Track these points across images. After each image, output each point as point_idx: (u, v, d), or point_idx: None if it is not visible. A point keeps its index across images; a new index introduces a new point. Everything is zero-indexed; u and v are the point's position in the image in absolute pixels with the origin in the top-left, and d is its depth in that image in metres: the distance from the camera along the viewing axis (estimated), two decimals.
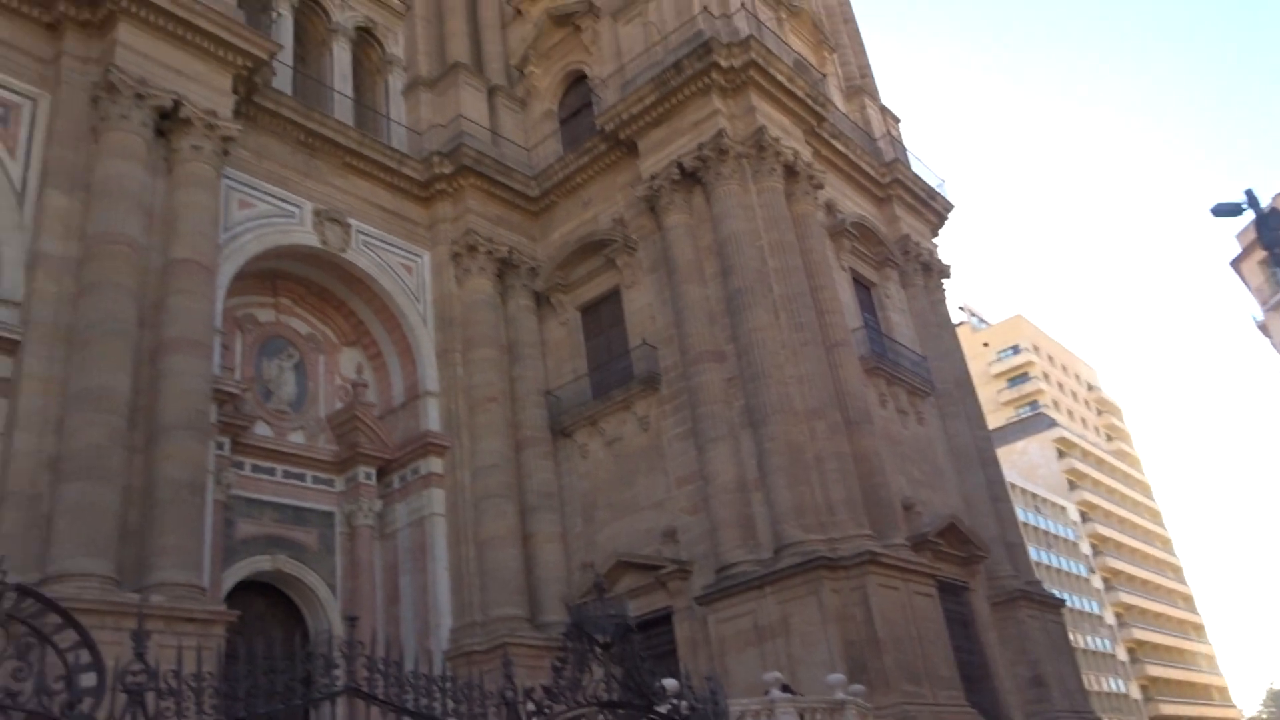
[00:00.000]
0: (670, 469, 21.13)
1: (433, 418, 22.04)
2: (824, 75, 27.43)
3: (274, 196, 21.06)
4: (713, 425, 20.15)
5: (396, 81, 26.55)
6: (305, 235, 21.42)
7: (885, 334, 24.49)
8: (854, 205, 25.88)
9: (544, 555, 21.52)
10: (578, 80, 27.20)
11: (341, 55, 25.56)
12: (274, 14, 23.81)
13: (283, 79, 22.66)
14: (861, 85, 29.62)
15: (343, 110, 24.41)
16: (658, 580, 19.98)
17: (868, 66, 30.62)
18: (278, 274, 21.96)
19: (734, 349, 20.58)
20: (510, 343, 23.65)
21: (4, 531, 14.56)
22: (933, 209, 28.62)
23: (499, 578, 20.46)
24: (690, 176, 22.26)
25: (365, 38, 26.56)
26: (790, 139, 22.93)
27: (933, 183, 28.64)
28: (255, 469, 19.93)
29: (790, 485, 18.78)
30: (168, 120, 18.58)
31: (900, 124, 30.15)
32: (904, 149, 28.94)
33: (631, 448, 21.97)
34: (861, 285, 24.98)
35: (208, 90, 19.27)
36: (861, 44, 31.22)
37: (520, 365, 23.43)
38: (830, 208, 24.50)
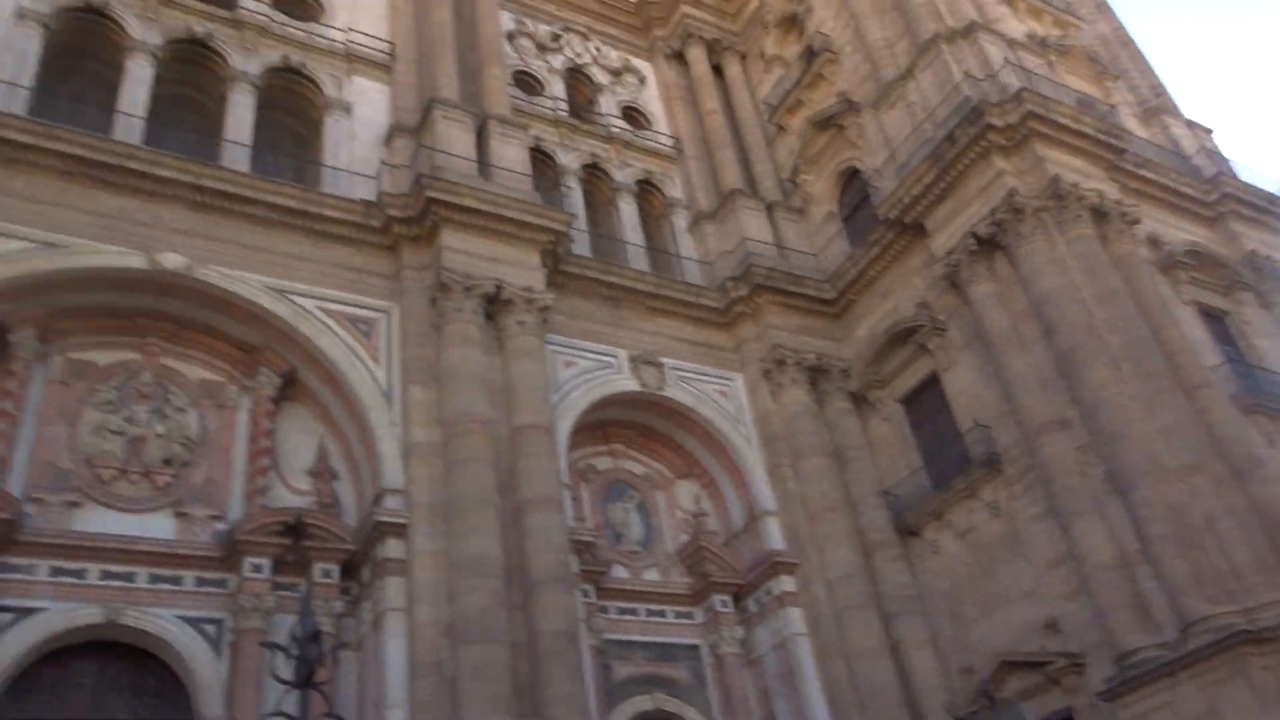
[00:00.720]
0: (1033, 554, 19.62)
1: (775, 536, 22.06)
2: (1112, 106, 25.75)
3: (592, 351, 22.56)
4: (1073, 499, 18.58)
5: (680, 220, 27.96)
6: (625, 382, 22.65)
7: (1255, 364, 21.75)
8: (1182, 233, 23.67)
9: (916, 664, 20.52)
10: (852, 176, 27.30)
11: (627, 209, 27.38)
12: (564, 188, 26.06)
13: (580, 242, 24.56)
14: (1158, 105, 27.47)
15: (637, 258, 26.01)
16: (1048, 678, 18.33)
17: (1161, 85, 28.39)
18: (607, 422, 23.26)
19: (1077, 413, 19.05)
20: (836, 448, 23.38)
21: (420, 699, 16.09)
22: (1276, 214, 25.51)
23: (875, 693, 19.69)
24: (988, 243, 21.38)
25: (646, 189, 28.33)
26: (1091, 180, 21.52)
27: (1269, 187, 25.63)
28: (620, 611, 20.75)
29: (1181, 553, 16.77)
30: (493, 304, 20.62)
31: (1213, 134, 27.46)
32: (1225, 159, 26.27)
33: (986, 537, 20.70)
34: (1212, 317, 22.52)
35: (521, 270, 21.28)
36: (1147, 63, 29.07)
37: (851, 469, 23.05)
38: (1154, 241, 22.58)
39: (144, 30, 22.19)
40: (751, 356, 24.54)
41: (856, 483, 22.81)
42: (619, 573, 21.50)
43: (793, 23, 30.73)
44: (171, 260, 18.52)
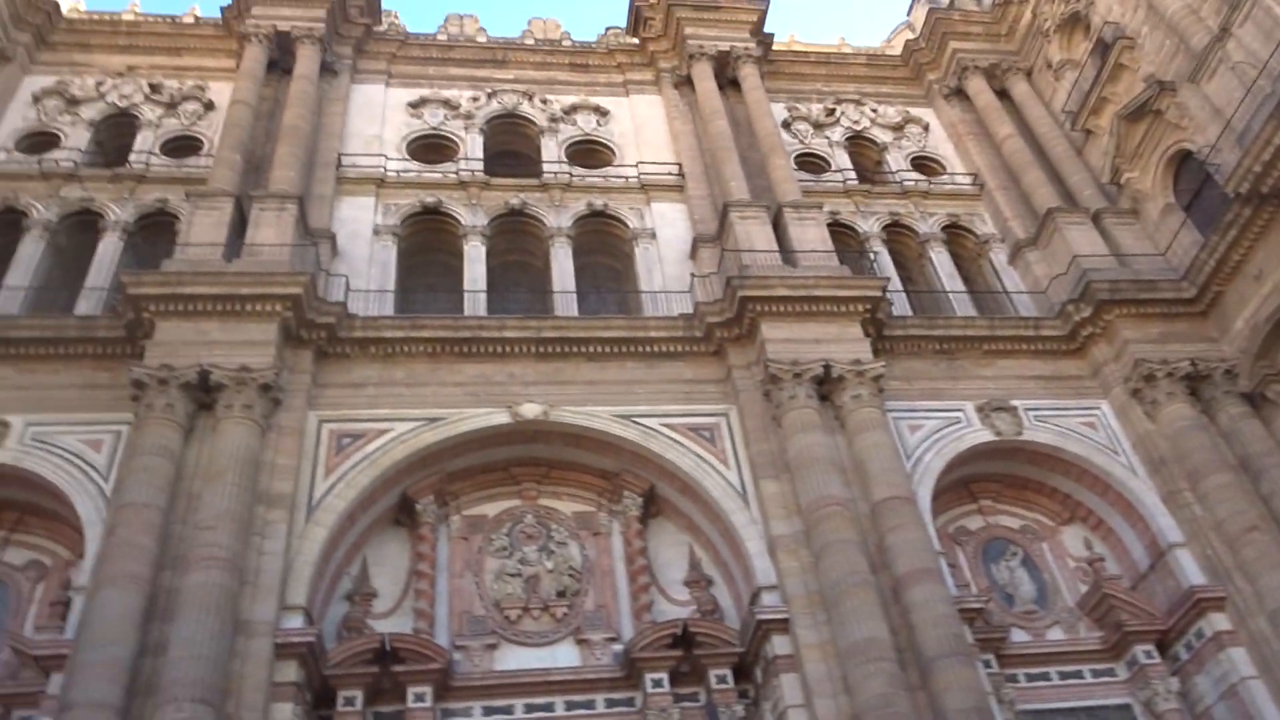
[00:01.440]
0: None
1: (1191, 570, 19.59)
2: None
3: (936, 410, 21.73)
4: None
5: (999, 255, 26.57)
6: (977, 434, 21.52)
7: None
8: None
9: None
10: (1183, 160, 24.73)
11: (940, 258, 26.52)
12: (870, 254, 25.81)
13: (899, 304, 24.06)
14: None
15: (961, 305, 24.99)
16: None
17: None
18: (968, 479, 22.16)
19: None
20: (1242, 459, 20.59)
21: None
22: None
23: None
24: None
25: (954, 233, 27.35)
26: None
27: None
28: (1029, 678, 19.26)
29: None
30: (824, 384, 20.62)
31: None
32: None
33: None
34: None
35: (845, 344, 21.17)
36: None
37: (1267, 479, 20.11)
38: None
39: (472, 216, 25.22)
40: (1114, 379, 22.46)
41: (1278, 494, 19.85)
42: (1019, 636, 20.03)
43: (1075, 22, 28.87)
44: (530, 410, 20.43)
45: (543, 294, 24.42)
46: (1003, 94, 30.06)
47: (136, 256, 23.37)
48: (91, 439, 18.86)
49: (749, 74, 29.15)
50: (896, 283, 24.95)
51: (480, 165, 26.68)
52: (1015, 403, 22.07)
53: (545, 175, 26.54)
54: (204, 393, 18.74)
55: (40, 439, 18.72)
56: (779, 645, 17.62)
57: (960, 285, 25.88)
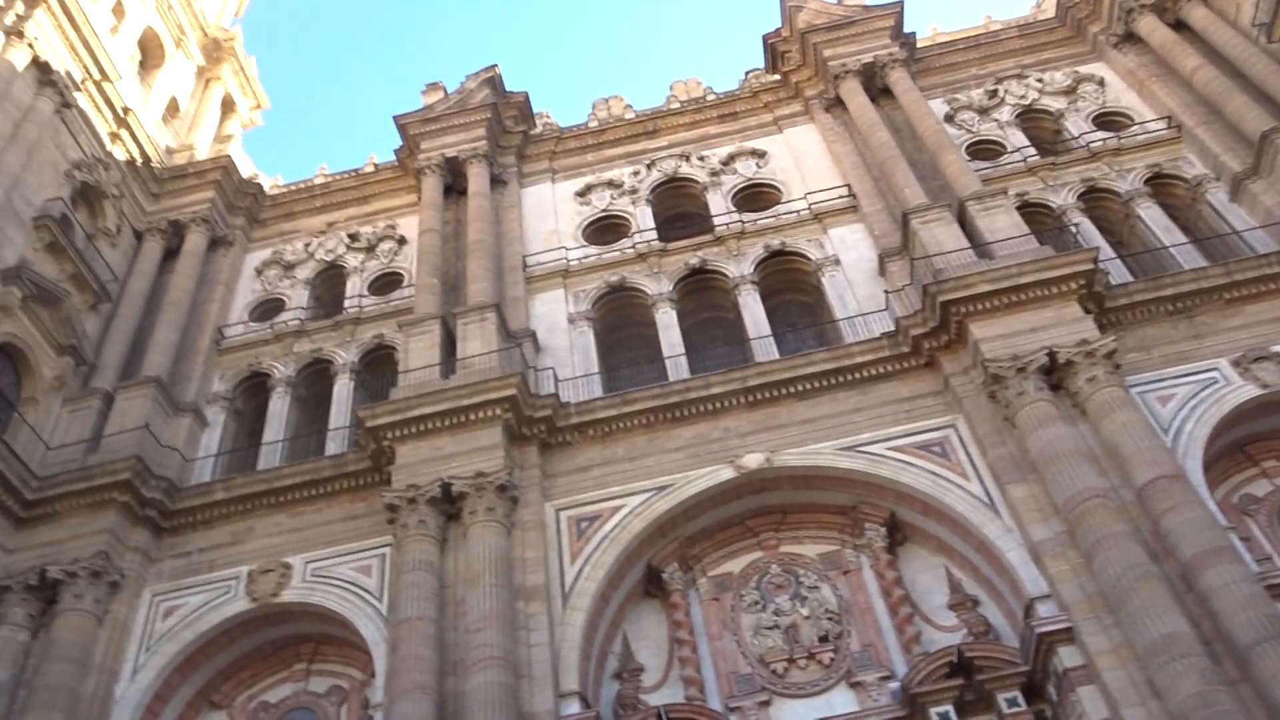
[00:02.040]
0: None
1: None
2: None
3: (1185, 376, 19.94)
4: None
5: (1218, 195, 24.41)
6: (1241, 391, 19.52)
7: None
8: None
9: None
10: None
11: (1150, 213, 24.66)
12: (1072, 227, 24.33)
13: (1115, 271, 22.48)
14: None
15: (1186, 258, 23.04)
16: None
17: None
18: (1240, 443, 20.11)
19: None
20: None
21: None
22: None
23: None
24: None
25: (1160, 183, 25.43)
26: None
27: None
28: None
29: None
30: (1051, 373, 19.42)
31: None
32: None
33: None
34: None
35: (1066, 327, 19.92)
36: None
37: None
38: None
39: (657, 284, 25.77)
40: None
41: None
42: None
43: None
44: (753, 460, 20.38)
45: (740, 344, 24.50)
46: (1178, 26, 27.91)
47: (367, 392, 25.32)
48: (361, 565, 20.39)
49: (899, 78, 28.52)
50: (1107, 250, 23.37)
51: (654, 234, 27.30)
52: (1278, 348, 20.00)
53: (718, 228, 26.81)
54: (449, 504, 19.87)
55: (319, 574, 20.43)
56: (1068, 657, 16.43)
57: (1180, 237, 23.92)
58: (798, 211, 26.71)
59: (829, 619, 19.17)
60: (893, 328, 21.67)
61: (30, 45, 25.74)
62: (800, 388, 21.33)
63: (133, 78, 31.13)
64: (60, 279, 24.91)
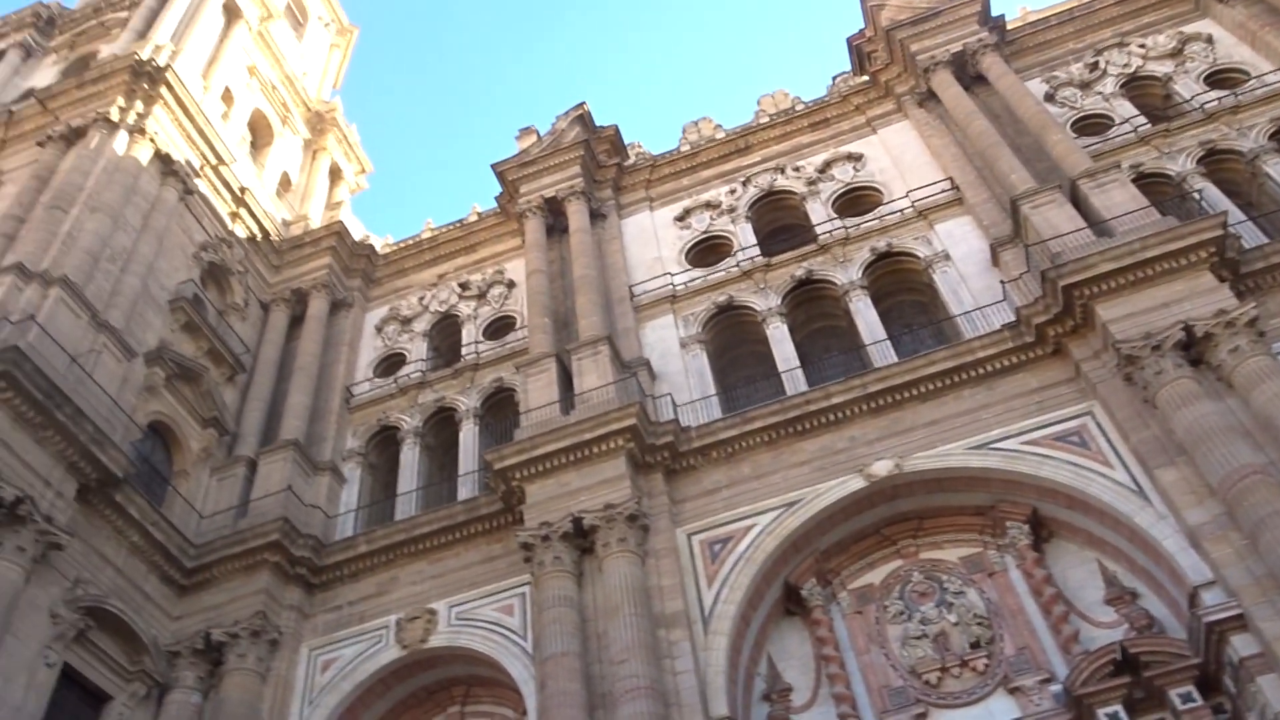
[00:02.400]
0: None
1: None
2: None
3: None
4: None
5: None
6: None
7: None
8: None
9: None
10: None
11: (1279, 169, 23.36)
12: (1194, 194, 23.21)
13: (1248, 235, 21.32)
14: None
15: None
16: None
17: None
18: None
19: None
20: None
21: None
22: None
23: None
24: None
25: None
26: None
27: None
28: None
29: None
30: (1191, 348, 18.53)
31: None
32: None
33: None
34: None
35: (1201, 298, 19.00)
36: None
37: None
38: None
39: (765, 300, 25.65)
40: None
41: None
42: None
43: None
44: (882, 467, 20.01)
45: (856, 351, 24.13)
46: None
47: (491, 435, 25.90)
48: (503, 605, 20.82)
49: (992, 63, 27.81)
50: (1236, 214, 22.16)
51: (756, 250, 27.21)
52: None
53: (821, 237, 26.56)
54: (581, 537, 20.10)
55: (463, 617, 20.93)
56: (1242, 646, 15.51)
57: None
58: (901, 211, 26.25)
59: (979, 624, 18.58)
60: (1013, 319, 21.04)
61: (152, 140, 27.45)
62: (923, 389, 20.88)
63: (245, 158, 32.83)
64: (198, 356, 26.35)
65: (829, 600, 19.93)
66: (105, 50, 32.16)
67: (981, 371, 20.80)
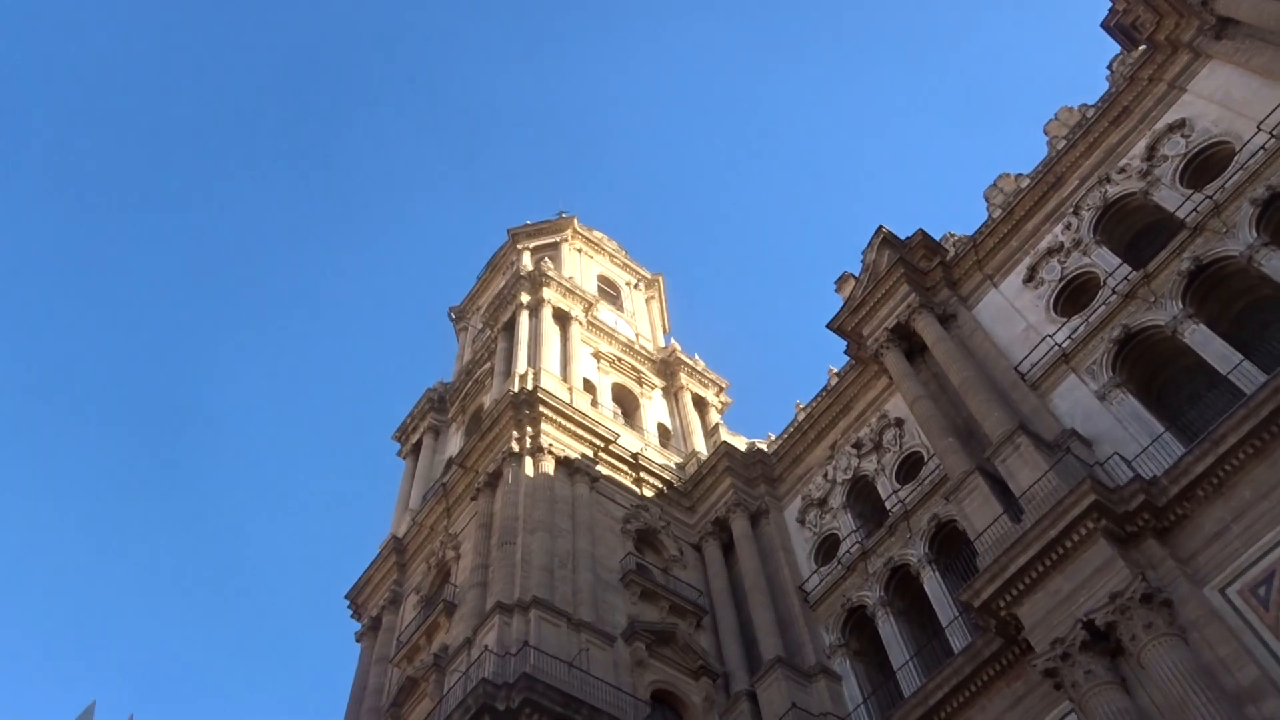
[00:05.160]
0: None
1: None
2: None
3: None
4: None
5: None
6: None
7: None
8: None
9: None
10: None
11: None
12: None
13: None
14: None
15: None
16: None
17: None
18: None
19: None
20: None
21: None
22: None
23: None
24: None
25: None
26: None
27: None
28: None
29: None
30: None
31: None
32: None
33: None
34: None
35: None
36: None
37: None
38: None
39: (1164, 310, 23.03)
40: None
41: None
42: None
43: None
44: None
45: None
46: None
47: (954, 575, 24.59)
48: None
49: None
50: None
51: (1125, 268, 24.77)
52: None
53: (1188, 218, 23.73)
54: (1103, 641, 18.02)
55: None
56: None
57: None
58: (1263, 147, 22.94)
59: None
60: None
61: (550, 452, 30.88)
62: None
63: (624, 429, 35.74)
64: (664, 617, 27.95)
65: None
66: (488, 401, 37.22)
67: None
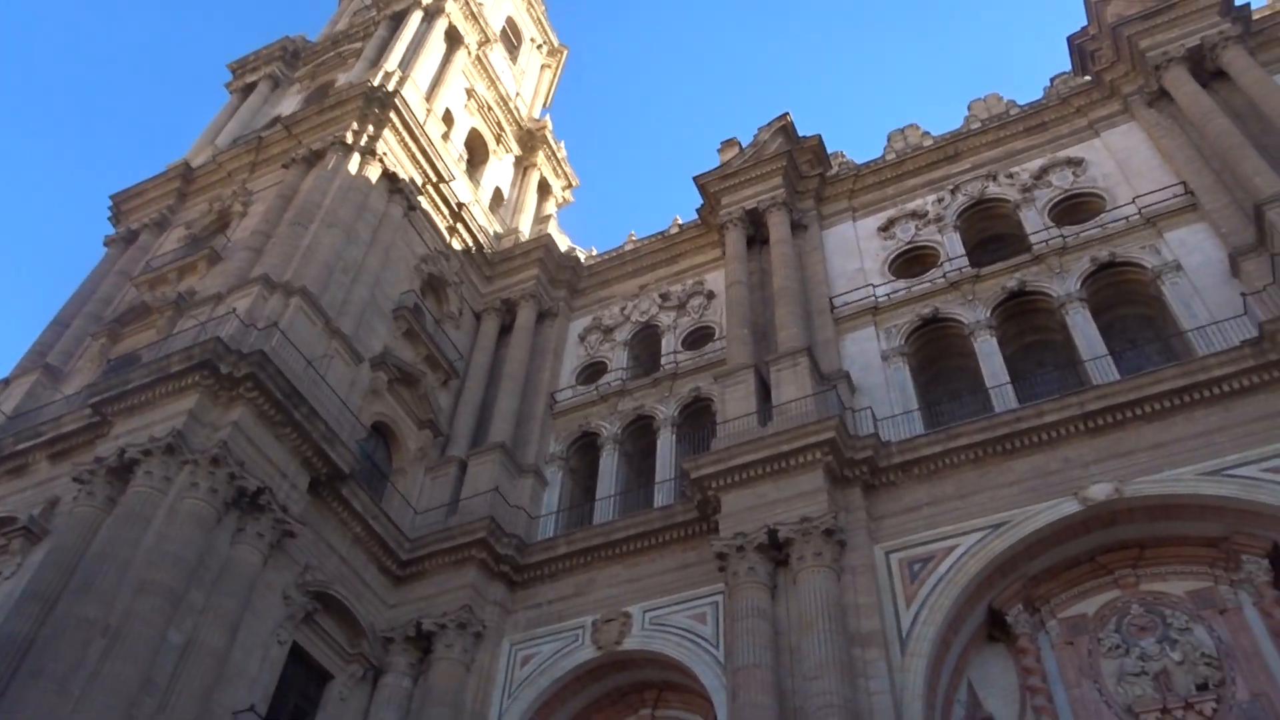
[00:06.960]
0: None
1: None
2: None
3: None
4: None
5: None
6: None
7: None
8: None
9: None
10: None
11: None
12: None
13: None
14: None
15: None
16: None
17: None
18: None
19: None
20: None
21: None
22: None
23: None
24: None
25: None
26: None
27: None
28: None
29: None
30: None
31: None
32: None
33: None
34: None
35: None
36: None
37: None
38: None
39: (972, 312, 24.63)
40: None
41: None
42: None
43: None
44: (1099, 491, 18.79)
45: (1071, 367, 22.74)
46: None
47: (688, 444, 26.15)
48: (696, 613, 20.94)
49: (1235, 57, 25.54)
50: None
51: (964, 261, 26.18)
52: None
53: (1035, 247, 25.23)
54: (776, 550, 19.94)
55: (656, 622, 21.22)
56: None
57: None
58: (1126, 218, 24.55)
59: (1207, 664, 17.08)
60: (1255, 334, 19.21)
61: (380, 160, 29.55)
62: (1148, 409, 19.45)
63: (462, 176, 34.75)
64: (417, 361, 28.07)
65: (1036, 629, 18.84)
66: (342, 79, 34.95)
67: (1217, 391, 19.14)
